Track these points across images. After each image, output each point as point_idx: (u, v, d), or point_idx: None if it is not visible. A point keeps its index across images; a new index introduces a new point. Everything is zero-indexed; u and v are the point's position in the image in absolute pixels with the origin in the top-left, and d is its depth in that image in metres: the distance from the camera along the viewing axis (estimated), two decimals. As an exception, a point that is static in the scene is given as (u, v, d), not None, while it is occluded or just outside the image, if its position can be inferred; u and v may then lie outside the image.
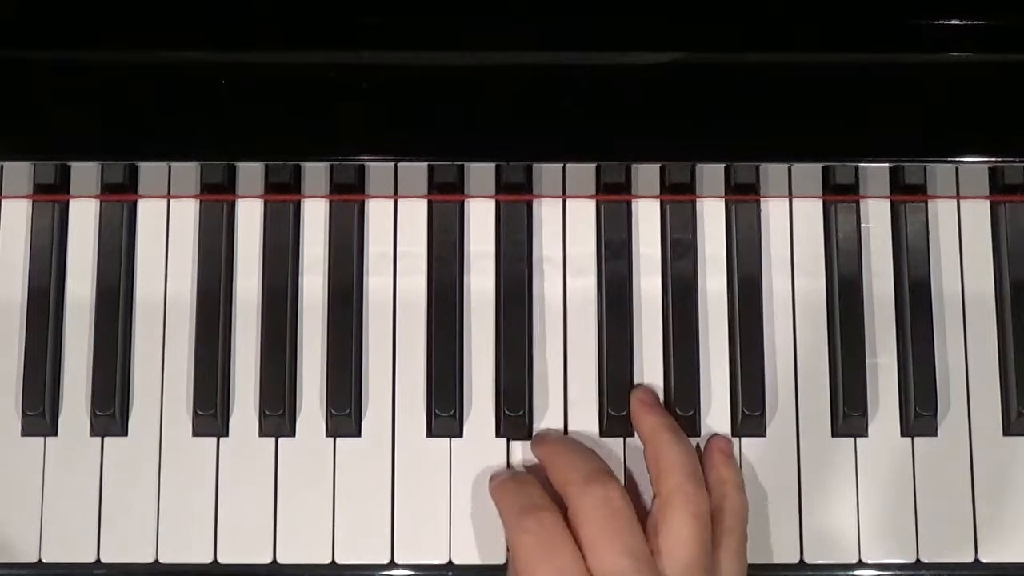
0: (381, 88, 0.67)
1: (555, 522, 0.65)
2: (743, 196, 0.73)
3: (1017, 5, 0.68)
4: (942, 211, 0.73)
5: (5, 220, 0.73)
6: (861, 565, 0.70)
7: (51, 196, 0.73)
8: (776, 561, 0.70)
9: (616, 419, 0.70)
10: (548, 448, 0.70)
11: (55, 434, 0.71)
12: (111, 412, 0.70)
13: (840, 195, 0.73)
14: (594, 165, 0.73)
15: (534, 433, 0.71)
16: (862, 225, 0.73)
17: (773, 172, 0.73)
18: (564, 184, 0.73)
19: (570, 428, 0.71)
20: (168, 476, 0.71)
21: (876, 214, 0.73)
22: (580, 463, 0.67)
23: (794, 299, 0.73)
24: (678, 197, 0.73)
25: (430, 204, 0.73)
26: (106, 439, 0.71)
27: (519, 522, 0.66)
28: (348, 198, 0.73)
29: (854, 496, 0.71)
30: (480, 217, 0.73)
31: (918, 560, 0.70)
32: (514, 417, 0.70)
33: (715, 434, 0.71)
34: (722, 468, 0.69)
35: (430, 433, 0.71)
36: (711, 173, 0.73)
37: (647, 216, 0.73)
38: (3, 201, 0.73)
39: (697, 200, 0.73)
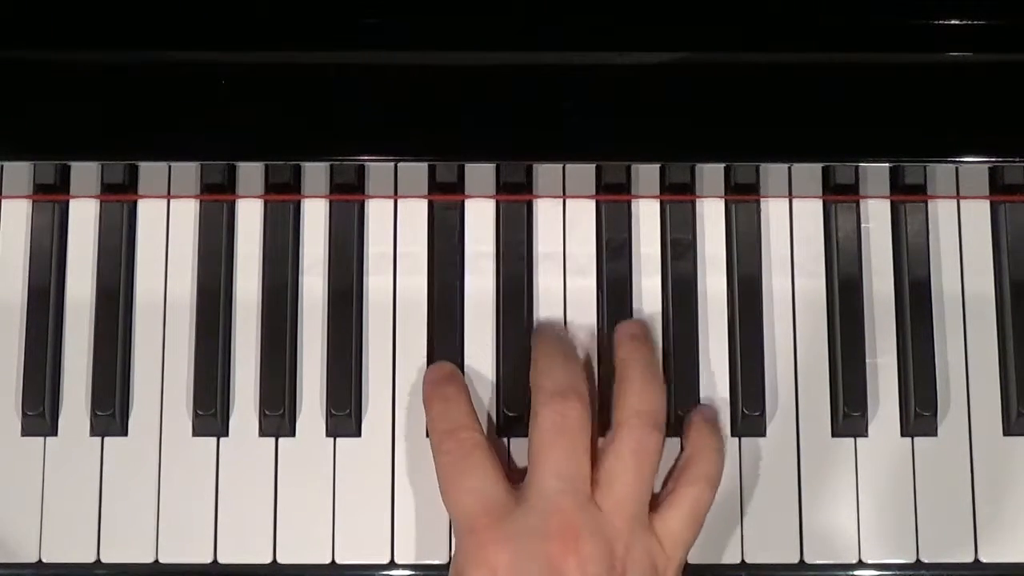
0: (381, 88, 0.67)
1: (474, 442, 0.66)
2: (743, 196, 0.73)
3: (1017, 5, 0.68)
4: (942, 211, 0.73)
5: (5, 220, 0.73)
6: (861, 565, 0.70)
7: (51, 196, 0.73)
8: (776, 561, 0.70)
9: (616, 419, 0.70)
10: (538, 346, 0.70)
11: (55, 434, 0.71)
12: (111, 412, 0.70)
13: (840, 195, 0.73)
14: (594, 165, 0.72)
15: (535, 326, 0.71)
16: (862, 225, 0.73)
17: (773, 172, 0.73)
18: (564, 184, 0.73)
19: (570, 428, 0.71)
20: (168, 476, 0.71)
21: (876, 214, 0.73)
22: (555, 374, 0.67)
23: (794, 299, 0.73)
24: (678, 197, 0.73)
25: (430, 204, 0.73)
26: (106, 439, 0.71)
27: (439, 446, 0.67)
28: (348, 198, 0.73)
29: (854, 496, 0.71)
30: (480, 217, 0.73)
31: (918, 560, 0.70)
32: (513, 417, 0.70)
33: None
34: (702, 428, 0.69)
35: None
36: (711, 173, 0.73)
37: (647, 216, 0.73)
38: (3, 201, 0.73)
39: (697, 200, 0.73)
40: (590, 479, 0.65)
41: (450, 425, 0.68)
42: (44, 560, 0.70)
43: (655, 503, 0.67)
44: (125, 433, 0.71)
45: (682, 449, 0.69)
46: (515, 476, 0.69)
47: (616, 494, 0.65)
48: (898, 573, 0.70)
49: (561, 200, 0.73)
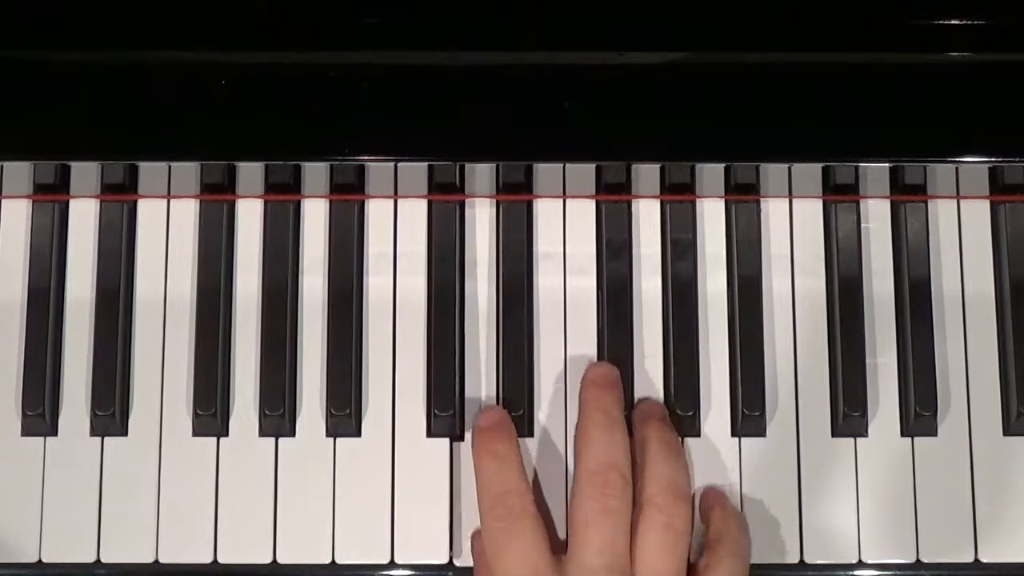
0: (381, 88, 0.67)
1: (523, 509, 0.66)
2: (743, 196, 0.73)
3: (1017, 5, 0.68)
4: (942, 211, 0.73)
5: (5, 220, 0.73)
6: (861, 565, 0.70)
7: (51, 196, 0.73)
8: (776, 561, 0.70)
9: (616, 419, 0.70)
10: (588, 405, 0.69)
11: (55, 434, 0.71)
12: (111, 412, 0.70)
13: (840, 195, 0.73)
14: (594, 165, 0.72)
15: (598, 365, 0.71)
16: (862, 225, 0.73)
17: (773, 172, 0.73)
18: (564, 184, 0.73)
19: (570, 427, 0.71)
20: (168, 476, 0.71)
21: (876, 214, 0.73)
22: (598, 447, 0.67)
23: (794, 299, 0.73)
24: (678, 197, 0.73)
25: (430, 204, 0.73)
26: (106, 439, 0.71)
27: (490, 509, 0.67)
28: (348, 198, 0.73)
29: (854, 496, 0.71)
30: (480, 217, 0.73)
31: (918, 560, 0.70)
32: (514, 417, 0.70)
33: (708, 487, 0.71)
34: (725, 507, 0.69)
35: (430, 433, 0.71)
36: (711, 173, 0.73)
37: (647, 216, 0.73)
38: (3, 201, 0.73)
39: (697, 200, 0.73)
40: (630, 556, 0.65)
41: (501, 488, 0.67)
42: (44, 560, 0.70)
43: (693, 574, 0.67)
44: (125, 433, 0.71)
45: (705, 526, 0.69)
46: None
47: (651, 571, 0.65)
48: (898, 573, 0.70)
49: (561, 200, 0.73)
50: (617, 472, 0.66)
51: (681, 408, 0.71)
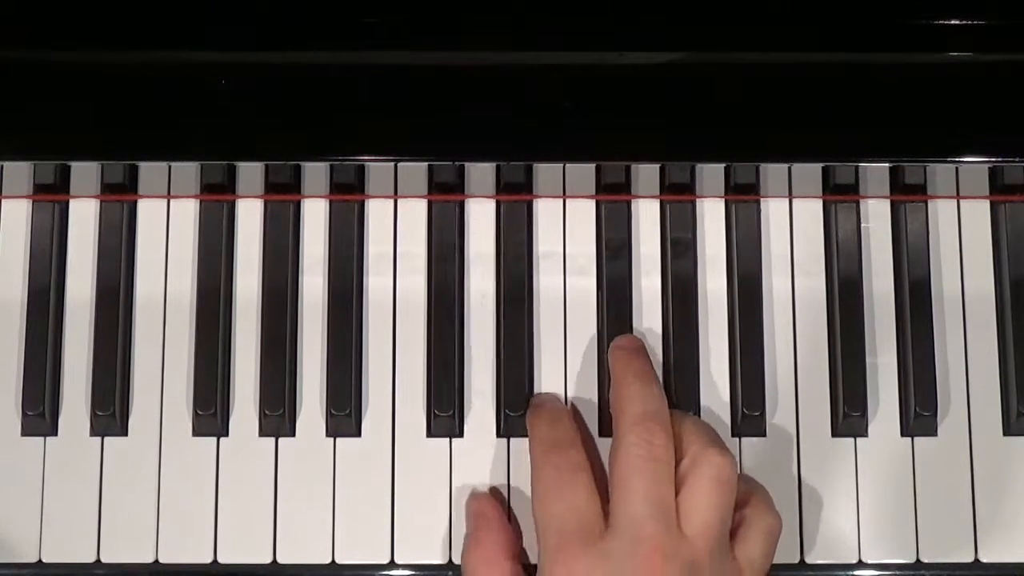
0: (381, 88, 0.67)
1: (578, 460, 0.67)
2: (743, 196, 0.73)
3: (1017, 5, 0.68)
4: (942, 211, 0.73)
5: (5, 220, 0.73)
6: (861, 565, 0.70)
7: (51, 196, 0.73)
8: (776, 561, 0.70)
9: (616, 419, 0.70)
10: (620, 368, 0.69)
11: (55, 434, 0.71)
12: (111, 412, 0.70)
13: (840, 195, 0.73)
14: (594, 165, 0.73)
15: (623, 335, 0.71)
16: (862, 225, 0.73)
17: (773, 172, 0.73)
18: (564, 184, 0.73)
19: (570, 428, 0.71)
20: (168, 476, 0.71)
21: (876, 214, 0.73)
22: (638, 400, 0.67)
23: (794, 299, 0.73)
24: (678, 197, 0.73)
25: (430, 204, 0.73)
26: (106, 439, 0.71)
27: (544, 457, 0.67)
28: (348, 198, 0.73)
29: (854, 496, 0.71)
30: (480, 217, 0.73)
31: (918, 560, 0.70)
32: (514, 417, 0.70)
33: None
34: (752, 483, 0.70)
35: (430, 433, 0.71)
36: (711, 173, 0.73)
37: (647, 216, 0.73)
38: (3, 201, 0.73)
39: (697, 200, 0.73)
40: (676, 510, 0.65)
41: (558, 439, 0.68)
42: (44, 560, 0.70)
43: (731, 531, 0.66)
44: (125, 433, 0.71)
45: None
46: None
47: (700, 522, 0.64)
48: (898, 573, 0.70)
49: (561, 200, 0.73)
50: (659, 422, 0.66)
51: (681, 408, 0.71)
